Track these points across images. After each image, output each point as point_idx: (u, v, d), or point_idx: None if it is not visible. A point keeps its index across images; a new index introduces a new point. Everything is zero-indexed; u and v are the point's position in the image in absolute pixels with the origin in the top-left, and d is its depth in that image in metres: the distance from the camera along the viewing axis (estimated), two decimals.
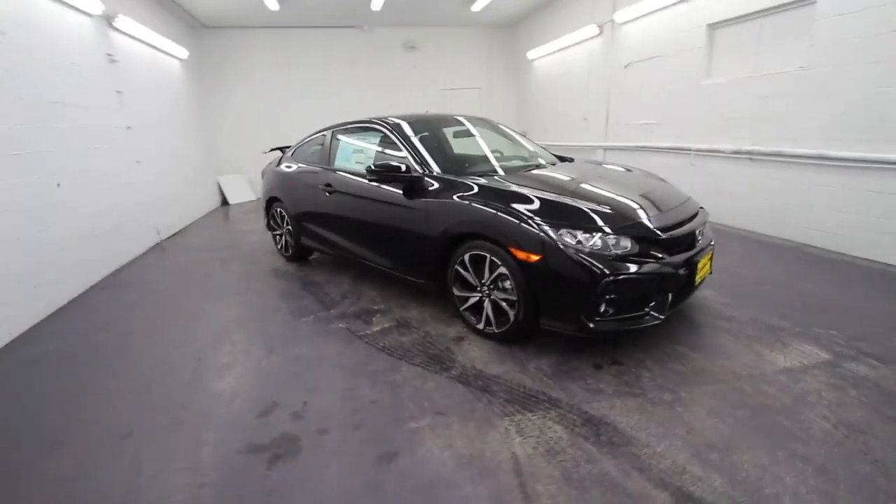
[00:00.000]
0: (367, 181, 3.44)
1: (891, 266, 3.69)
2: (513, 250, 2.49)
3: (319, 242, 4.23)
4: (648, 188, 3.00)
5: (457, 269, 2.87)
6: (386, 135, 3.51)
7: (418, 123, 3.62)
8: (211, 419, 2.23)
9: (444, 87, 10.24)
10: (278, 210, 4.71)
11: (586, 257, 2.32)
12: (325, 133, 4.23)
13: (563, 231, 2.39)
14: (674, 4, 5.66)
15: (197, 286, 4.29)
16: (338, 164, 3.90)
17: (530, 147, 3.93)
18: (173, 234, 6.45)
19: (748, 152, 4.86)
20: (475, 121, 4.01)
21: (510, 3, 8.26)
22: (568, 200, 2.57)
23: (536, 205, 2.56)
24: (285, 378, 2.57)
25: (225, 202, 9.27)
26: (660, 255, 2.45)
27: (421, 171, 3.12)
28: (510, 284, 2.58)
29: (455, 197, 2.86)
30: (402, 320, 3.23)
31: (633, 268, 2.34)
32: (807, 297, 3.25)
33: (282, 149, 5.14)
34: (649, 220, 2.52)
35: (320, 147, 4.18)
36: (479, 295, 2.81)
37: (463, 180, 2.93)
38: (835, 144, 3.96)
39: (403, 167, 3.08)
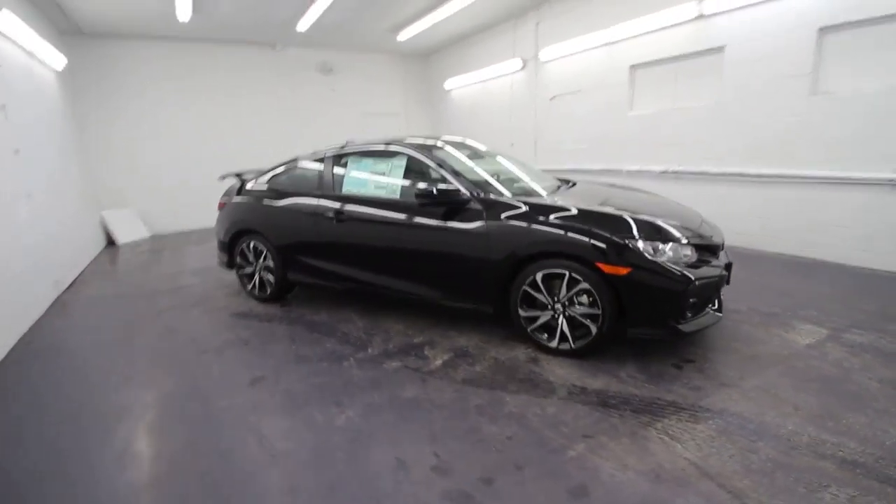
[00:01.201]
0: (386, 208, 3.32)
1: (805, 259, 4.69)
2: (599, 265, 2.60)
3: (318, 276, 3.79)
4: (672, 203, 3.41)
5: (524, 290, 2.86)
6: (414, 159, 3.36)
7: (438, 148, 3.56)
8: (334, 496, 1.84)
9: (364, 113, 10.07)
10: (251, 245, 4.10)
11: (672, 266, 2.54)
12: (319, 158, 3.84)
13: (646, 244, 2.58)
14: (596, 48, 6.52)
15: (170, 344, 3.47)
16: (348, 190, 3.58)
17: (535, 170, 4.12)
18: (71, 285, 5.10)
19: (675, 172, 5.78)
20: (470, 147, 4.09)
21: (433, 35, 8.57)
22: (635, 216, 2.78)
23: (608, 221, 2.72)
24: (383, 432, 2.25)
25: (111, 242, 7.65)
26: (712, 261, 2.80)
27: (469, 194, 3.06)
28: (588, 299, 2.68)
29: (504, 216, 2.88)
30: (458, 350, 3.07)
31: (706, 272, 2.63)
32: (770, 287, 3.96)
33: (239, 175, 4.51)
34: (699, 229, 2.87)
35: (317, 173, 3.78)
36: (552, 313, 2.84)
37: (518, 202, 2.96)
38: (751, 164, 4.97)
39: (455, 190, 3.02)
